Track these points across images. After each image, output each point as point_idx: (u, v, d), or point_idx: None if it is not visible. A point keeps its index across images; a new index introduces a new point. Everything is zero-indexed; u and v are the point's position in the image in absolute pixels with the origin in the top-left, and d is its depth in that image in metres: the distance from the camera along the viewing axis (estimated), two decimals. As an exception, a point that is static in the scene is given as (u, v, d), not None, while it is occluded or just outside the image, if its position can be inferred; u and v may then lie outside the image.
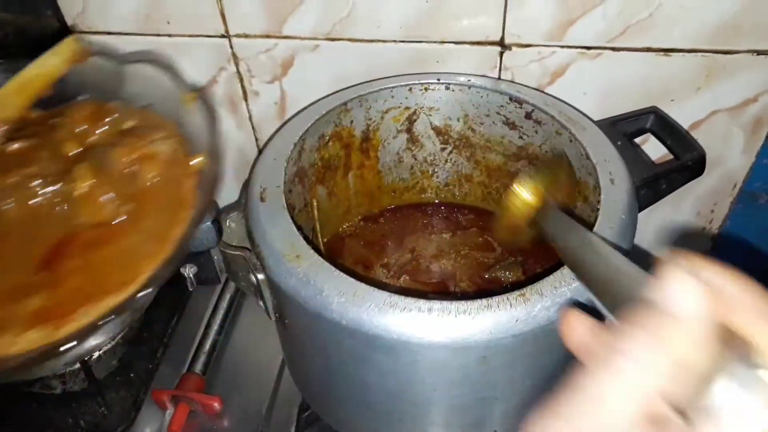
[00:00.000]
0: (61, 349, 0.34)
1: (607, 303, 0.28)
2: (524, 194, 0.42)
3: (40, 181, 0.41)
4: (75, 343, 0.34)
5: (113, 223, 0.40)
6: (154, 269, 0.37)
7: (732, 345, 0.20)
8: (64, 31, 0.67)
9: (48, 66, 0.46)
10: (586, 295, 0.41)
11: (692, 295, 0.21)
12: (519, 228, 0.43)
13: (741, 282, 0.22)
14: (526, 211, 0.42)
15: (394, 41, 0.62)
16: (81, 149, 0.44)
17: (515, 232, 0.44)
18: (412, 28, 0.61)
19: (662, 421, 0.20)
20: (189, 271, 0.48)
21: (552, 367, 0.47)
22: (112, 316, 0.35)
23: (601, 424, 0.21)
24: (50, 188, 0.41)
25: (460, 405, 0.47)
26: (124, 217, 0.40)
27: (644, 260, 0.26)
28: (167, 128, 0.45)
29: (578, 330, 0.26)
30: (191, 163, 0.42)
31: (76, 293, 0.36)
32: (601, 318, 0.27)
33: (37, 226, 0.41)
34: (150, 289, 0.36)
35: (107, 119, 0.45)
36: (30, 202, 0.41)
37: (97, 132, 0.45)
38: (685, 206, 0.71)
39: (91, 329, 0.34)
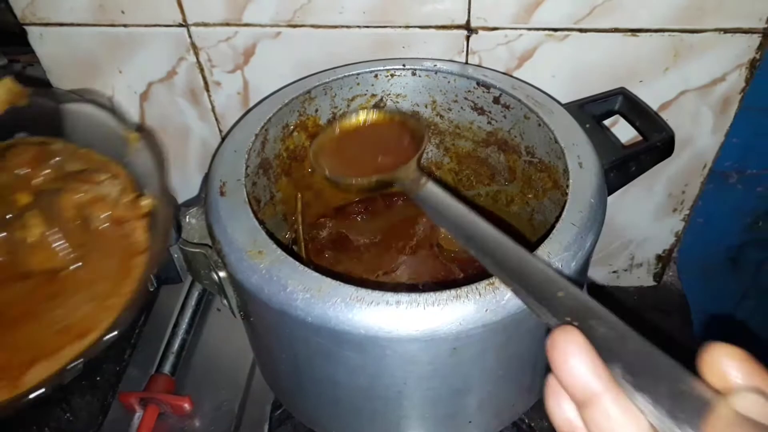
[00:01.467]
0: (30, 396, 0.33)
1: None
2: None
3: None
4: (43, 390, 0.33)
5: (65, 269, 0.38)
6: (114, 317, 0.35)
7: None
8: (18, 26, 0.64)
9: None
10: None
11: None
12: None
13: None
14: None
15: (358, 27, 0.60)
16: (29, 197, 0.42)
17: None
18: (376, 12, 0.59)
19: None
20: (148, 270, 0.46)
21: (524, 356, 0.46)
22: (80, 361, 0.33)
23: None
24: None
25: (432, 398, 0.46)
26: (77, 264, 0.38)
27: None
28: (112, 169, 0.43)
29: (581, 374, 0.24)
30: (141, 204, 0.41)
31: (32, 346, 0.34)
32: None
33: None
34: (115, 333, 0.35)
35: (51, 161, 0.43)
36: None
37: (41, 175, 0.43)
38: (657, 187, 0.71)
39: (58, 377, 0.33)
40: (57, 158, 0.43)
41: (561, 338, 0.24)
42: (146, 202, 0.41)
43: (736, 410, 0.20)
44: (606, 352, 0.24)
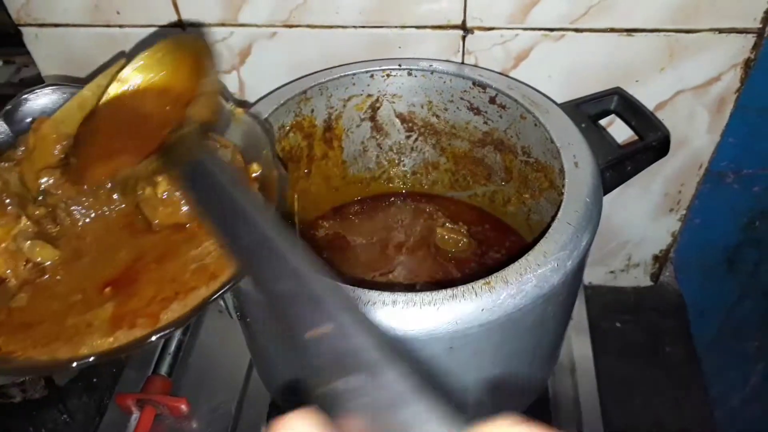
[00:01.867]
0: (166, 332, 0.35)
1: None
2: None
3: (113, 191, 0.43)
4: (174, 328, 0.35)
5: (188, 225, 0.41)
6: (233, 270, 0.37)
7: None
8: (14, 26, 0.64)
9: (102, 86, 0.47)
10: (553, 281, 0.41)
11: None
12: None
13: None
14: None
15: (354, 27, 0.60)
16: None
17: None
18: (372, 12, 0.59)
19: None
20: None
21: (520, 355, 0.46)
22: (215, 298, 0.36)
23: None
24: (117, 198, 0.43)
25: (429, 398, 0.46)
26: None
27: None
28: (221, 141, 0.46)
29: None
30: (250, 170, 0.44)
31: (172, 283, 0.37)
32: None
33: (115, 238, 0.42)
34: (244, 276, 0.37)
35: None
36: (106, 212, 0.43)
37: None
38: (653, 187, 0.71)
39: (193, 313, 0.36)
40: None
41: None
42: (255, 168, 0.43)
43: None
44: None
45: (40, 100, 0.48)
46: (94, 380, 0.67)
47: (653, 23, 0.57)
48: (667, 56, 0.59)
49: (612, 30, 0.58)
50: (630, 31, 0.58)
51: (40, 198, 0.42)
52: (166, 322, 0.35)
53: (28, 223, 0.40)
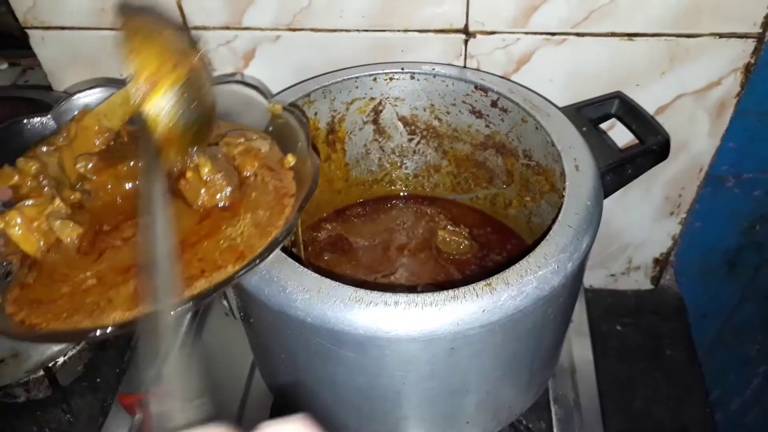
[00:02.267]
0: (186, 305, 0.37)
1: None
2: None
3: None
4: (191, 304, 0.37)
5: (226, 206, 0.44)
6: (265, 245, 0.40)
7: None
8: (20, 29, 0.65)
9: None
10: (553, 283, 0.41)
11: None
12: None
13: None
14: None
15: (357, 30, 0.61)
16: None
17: None
18: (375, 16, 0.60)
19: None
20: (150, 271, 0.46)
21: (521, 356, 0.47)
22: (227, 285, 0.38)
23: None
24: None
25: (430, 398, 0.46)
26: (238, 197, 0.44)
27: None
28: (259, 133, 0.49)
29: None
30: (286, 160, 0.46)
31: (202, 260, 0.39)
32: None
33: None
34: (270, 256, 0.39)
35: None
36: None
37: None
38: (654, 191, 0.71)
39: (215, 290, 0.37)
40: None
41: None
42: (290, 159, 0.46)
43: None
44: None
45: (86, 99, 0.50)
46: (98, 380, 0.67)
47: (654, 28, 0.57)
48: (668, 60, 0.59)
49: (613, 34, 0.58)
50: (631, 35, 0.58)
51: (78, 185, 0.44)
52: (188, 295, 0.37)
53: (61, 204, 0.42)
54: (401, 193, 0.71)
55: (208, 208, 0.43)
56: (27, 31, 0.65)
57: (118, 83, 0.50)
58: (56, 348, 0.67)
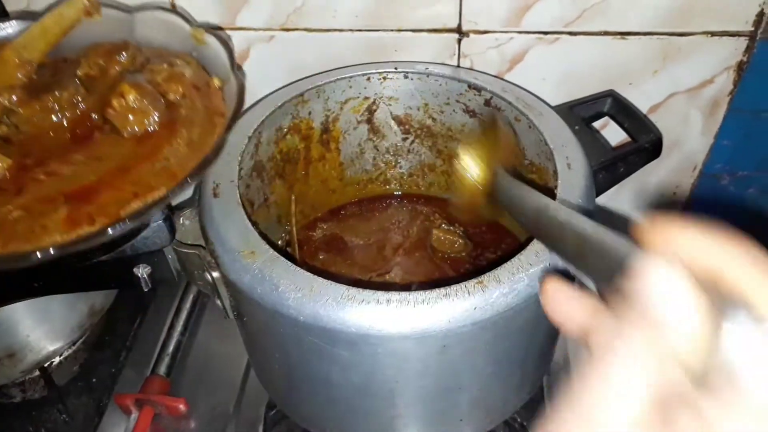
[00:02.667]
0: (110, 231, 0.38)
1: (586, 273, 0.27)
2: (471, 167, 0.41)
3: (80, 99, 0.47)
4: (129, 223, 0.38)
5: (155, 130, 0.45)
6: (196, 164, 0.42)
7: (729, 303, 0.19)
8: (4, 12, 0.64)
9: (64, 15, 0.50)
10: (540, 277, 0.41)
11: (679, 298, 0.19)
12: (476, 204, 0.43)
13: (725, 242, 0.21)
14: (478, 185, 0.42)
15: (351, 30, 0.61)
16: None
17: (474, 209, 0.43)
18: (368, 16, 0.60)
19: (676, 402, 0.19)
20: (143, 271, 0.46)
21: (513, 354, 0.47)
22: (168, 195, 0.40)
23: (612, 411, 0.20)
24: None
25: (423, 396, 0.46)
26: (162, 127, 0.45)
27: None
28: (183, 57, 0.50)
29: (564, 304, 0.25)
30: (212, 83, 0.48)
31: (136, 184, 0.41)
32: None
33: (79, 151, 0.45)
34: (201, 176, 0.42)
35: (122, 53, 0.50)
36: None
37: (118, 63, 0.50)
38: (648, 189, 0.72)
39: (148, 210, 0.39)
40: (129, 50, 0.50)
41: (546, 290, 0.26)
42: (216, 81, 0.48)
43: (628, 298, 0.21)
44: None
45: (5, 32, 0.50)
46: (94, 380, 0.67)
47: (647, 26, 0.57)
48: (661, 59, 0.60)
49: (606, 33, 0.58)
50: (624, 34, 0.58)
51: (3, 118, 0.45)
52: (123, 215, 0.38)
53: None
54: (396, 193, 0.71)
55: (138, 135, 0.44)
56: None
57: (35, 15, 0.50)
58: (51, 348, 0.67)
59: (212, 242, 0.44)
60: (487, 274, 0.40)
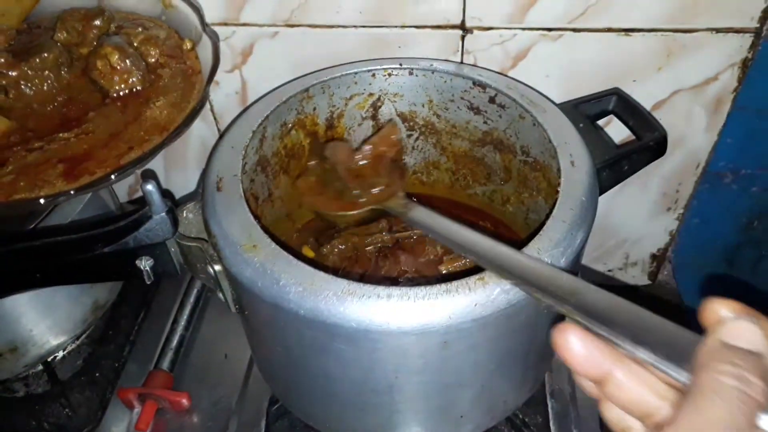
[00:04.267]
0: (113, 177, 0.41)
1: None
2: None
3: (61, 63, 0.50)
4: (133, 168, 0.42)
5: (139, 89, 0.48)
6: (184, 116, 0.45)
7: None
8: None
9: None
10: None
11: (758, 331, 0.25)
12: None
13: None
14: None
15: (354, 26, 0.61)
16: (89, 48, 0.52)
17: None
18: (372, 12, 0.60)
19: None
20: (145, 263, 0.46)
21: (515, 351, 0.47)
22: (162, 145, 0.43)
23: None
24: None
25: (423, 392, 0.46)
26: (150, 80, 0.49)
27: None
28: (155, 22, 0.53)
29: (583, 349, 0.27)
30: (185, 44, 0.51)
31: (129, 139, 0.44)
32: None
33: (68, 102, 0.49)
34: (186, 129, 0.45)
35: (98, 18, 0.52)
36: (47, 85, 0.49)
37: (94, 27, 0.52)
38: (651, 187, 0.71)
39: (145, 158, 0.42)
40: (103, 15, 0.52)
41: (560, 335, 0.27)
42: (188, 43, 0.51)
43: (722, 340, 0.24)
44: (602, 318, 0.28)
45: None
46: (97, 375, 0.67)
47: (651, 23, 0.57)
48: (665, 56, 0.59)
49: (610, 30, 0.58)
50: (628, 30, 0.58)
51: None
52: (122, 164, 0.41)
53: None
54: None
55: (123, 96, 0.47)
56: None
57: None
58: (55, 342, 0.68)
59: (215, 235, 0.45)
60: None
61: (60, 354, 0.68)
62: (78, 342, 0.70)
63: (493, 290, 0.39)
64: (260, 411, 0.63)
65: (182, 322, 0.70)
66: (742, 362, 0.23)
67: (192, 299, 0.71)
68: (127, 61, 0.46)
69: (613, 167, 0.53)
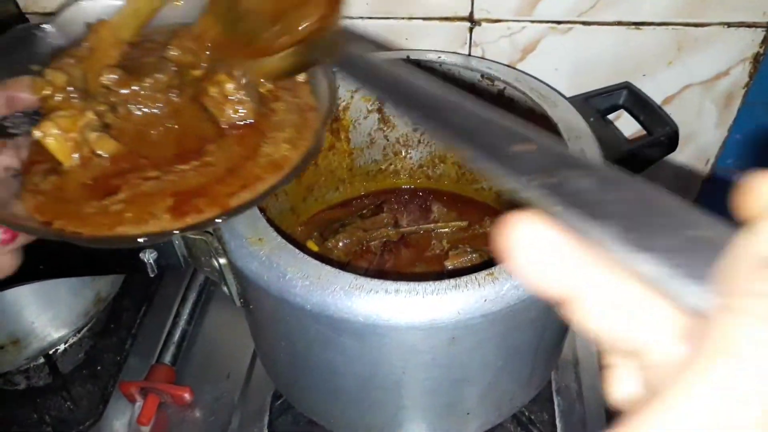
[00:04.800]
0: (219, 220, 0.37)
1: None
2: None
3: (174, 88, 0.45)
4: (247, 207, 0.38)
5: (253, 123, 0.44)
6: (302, 154, 0.41)
7: None
8: (21, 15, 0.65)
9: None
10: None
11: None
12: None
13: None
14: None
15: (361, 18, 0.60)
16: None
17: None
18: (379, 3, 0.59)
19: None
20: (149, 256, 0.46)
21: (523, 348, 0.46)
22: (280, 184, 0.39)
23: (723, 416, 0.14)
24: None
25: (430, 388, 0.46)
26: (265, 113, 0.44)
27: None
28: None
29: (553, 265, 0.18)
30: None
31: (244, 176, 0.40)
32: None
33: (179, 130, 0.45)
34: (306, 166, 0.41)
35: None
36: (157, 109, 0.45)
37: (206, 52, 0.47)
38: (659, 183, 0.70)
39: (261, 198, 0.38)
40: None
41: (509, 227, 0.18)
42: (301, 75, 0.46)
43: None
44: (593, 207, 0.17)
45: (88, 7, 0.48)
46: (99, 368, 0.67)
47: (661, 16, 0.57)
48: (675, 50, 0.59)
49: (620, 23, 0.57)
50: (638, 24, 0.57)
51: (102, 97, 0.44)
52: (234, 205, 0.37)
53: (94, 116, 0.42)
54: (405, 186, 0.70)
55: (238, 127, 0.43)
56: (28, 17, 0.65)
57: None
58: (56, 335, 0.67)
59: (219, 228, 0.44)
60: (499, 265, 0.40)
61: (62, 347, 0.68)
62: (80, 335, 0.69)
63: (503, 286, 0.39)
64: (263, 406, 0.63)
65: (185, 316, 0.69)
66: None
67: (195, 292, 0.71)
68: (242, 89, 0.43)
69: (625, 163, 0.52)
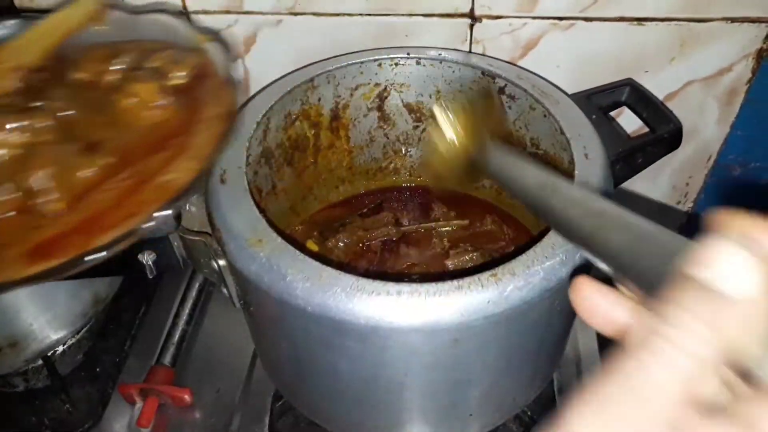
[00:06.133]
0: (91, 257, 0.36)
1: (613, 264, 0.24)
2: (449, 125, 0.39)
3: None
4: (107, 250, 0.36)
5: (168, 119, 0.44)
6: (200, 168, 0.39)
7: None
8: (13, 8, 0.64)
9: (69, 18, 0.49)
10: (560, 274, 0.40)
11: (746, 273, 0.18)
12: (451, 169, 0.40)
13: None
14: (458, 149, 0.39)
15: (360, 14, 0.60)
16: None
17: (447, 174, 0.41)
18: (379, 0, 0.58)
19: (708, 406, 0.18)
20: (148, 258, 0.45)
21: (526, 348, 0.46)
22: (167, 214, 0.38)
23: (638, 411, 0.18)
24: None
25: (433, 389, 0.45)
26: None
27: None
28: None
29: (598, 303, 0.24)
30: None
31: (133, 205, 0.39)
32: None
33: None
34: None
35: (123, 57, 0.48)
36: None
37: (116, 67, 0.47)
38: (661, 180, 0.70)
39: (142, 229, 0.37)
40: (130, 54, 0.48)
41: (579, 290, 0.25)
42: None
43: (698, 276, 0.18)
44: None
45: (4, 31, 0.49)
46: (98, 370, 0.66)
47: (664, 12, 0.56)
48: (678, 46, 0.58)
49: (622, 19, 0.57)
50: (640, 20, 0.57)
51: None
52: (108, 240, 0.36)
53: None
54: (405, 185, 0.70)
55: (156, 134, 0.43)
56: (23, 14, 0.64)
57: (30, 17, 0.49)
58: (55, 337, 0.67)
59: (219, 229, 0.43)
60: (502, 266, 0.39)
61: (60, 348, 0.67)
62: (78, 336, 0.69)
63: (506, 287, 0.38)
64: (264, 407, 0.62)
65: (184, 317, 0.69)
66: (702, 321, 0.18)
67: (194, 293, 0.70)
68: (156, 95, 0.44)
69: (627, 160, 0.52)
